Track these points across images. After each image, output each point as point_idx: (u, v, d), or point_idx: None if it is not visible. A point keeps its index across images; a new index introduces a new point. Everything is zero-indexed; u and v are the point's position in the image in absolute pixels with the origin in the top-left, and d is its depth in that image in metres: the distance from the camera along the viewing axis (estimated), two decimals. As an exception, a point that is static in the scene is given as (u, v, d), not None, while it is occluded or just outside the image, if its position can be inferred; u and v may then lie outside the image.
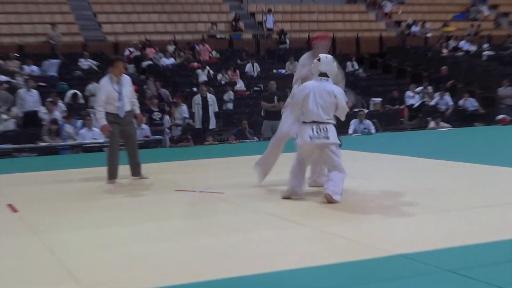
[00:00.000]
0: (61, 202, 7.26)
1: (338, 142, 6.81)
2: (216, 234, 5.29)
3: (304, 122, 6.80)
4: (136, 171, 8.86)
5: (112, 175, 8.64)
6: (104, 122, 8.51)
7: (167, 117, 16.35)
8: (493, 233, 4.95)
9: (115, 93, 8.55)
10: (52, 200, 7.39)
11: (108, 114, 8.56)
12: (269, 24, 26.06)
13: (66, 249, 4.91)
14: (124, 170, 8.80)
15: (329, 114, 6.74)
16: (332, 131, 6.72)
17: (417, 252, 4.42)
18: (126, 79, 8.76)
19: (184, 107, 16.50)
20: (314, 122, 6.70)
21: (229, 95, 18.84)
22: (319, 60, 6.85)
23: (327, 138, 6.67)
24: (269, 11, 26.30)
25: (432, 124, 17.44)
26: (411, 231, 5.22)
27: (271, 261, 4.36)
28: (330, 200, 6.48)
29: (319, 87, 6.75)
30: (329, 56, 6.96)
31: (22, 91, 16.28)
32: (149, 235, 5.36)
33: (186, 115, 16.28)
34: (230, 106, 18.60)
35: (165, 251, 4.73)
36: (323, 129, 6.67)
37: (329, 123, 6.73)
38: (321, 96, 6.71)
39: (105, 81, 8.65)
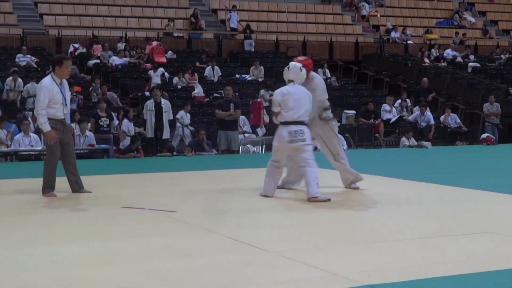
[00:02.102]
0: (-11, 217, 7.14)
1: (311, 142, 8.05)
2: (165, 258, 5.28)
3: (281, 123, 8.04)
4: (78, 186, 8.75)
5: (51, 186, 8.54)
6: (49, 127, 8.39)
7: (114, 124, 16.22)
8: (474, 263, 5.04)
9: (61, 97, 8.47)
10: (-21, 214, 7.27)
11: (49, 120, 8.44)
12: (233, 23, 26.08)
13: (-7, 270, 4.83)
14: (61, 182, 8.70)
15: (305, 115, 7.98)
16: (307, 132, 7.99)
17: (391, 283, 4.47)
18: (66, 83, 8.73)
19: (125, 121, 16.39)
20: (292, 123, 7.92)
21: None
22: (288, 68, 8.14)
23: (304, 140, 7.93)
24: (234, 7, 26.34)
25: (404, 140, 17.41)
26: (385, 259, 5.26)
27: (227, 289, 4.37)
28: (316, 201, 7.69)
29: (295, 90, 8.03)
30: (298, 65, 8.18)
31: None
32: (89, 257, 5.32)
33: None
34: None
35: (107, 276, 4.70)
36: (300, 132, 7.92)
37: (305, 124, 7.99)
38: (297, 98, 7.97)
39: (49, 81, 8.53)
